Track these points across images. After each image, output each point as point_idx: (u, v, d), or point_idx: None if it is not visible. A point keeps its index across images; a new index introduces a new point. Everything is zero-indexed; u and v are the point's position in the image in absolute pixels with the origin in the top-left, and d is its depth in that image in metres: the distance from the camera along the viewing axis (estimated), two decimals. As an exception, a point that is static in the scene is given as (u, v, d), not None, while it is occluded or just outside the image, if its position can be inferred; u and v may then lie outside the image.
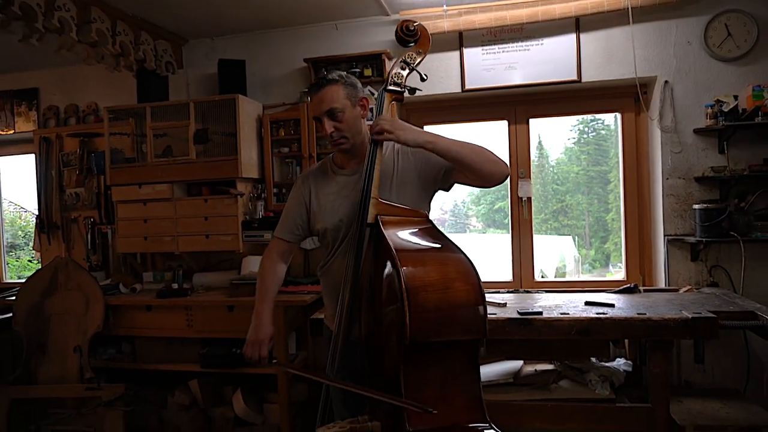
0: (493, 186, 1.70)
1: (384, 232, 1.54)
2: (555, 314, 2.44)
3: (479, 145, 1.65)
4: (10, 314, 3.32)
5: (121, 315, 3.28)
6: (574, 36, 3.08)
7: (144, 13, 3.19)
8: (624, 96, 3.22)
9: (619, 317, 2.34)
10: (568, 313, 2.44)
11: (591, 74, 3.09)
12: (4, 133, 4.07)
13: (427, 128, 3.52)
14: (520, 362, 2.81)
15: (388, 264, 1.47)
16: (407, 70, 1.75)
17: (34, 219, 4.03)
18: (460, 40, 3.23)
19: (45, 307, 3.30)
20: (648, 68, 3.03)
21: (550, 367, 2.79)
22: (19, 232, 5.55)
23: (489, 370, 2.81)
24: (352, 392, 1.53)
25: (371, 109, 2.20)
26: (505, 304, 2.69)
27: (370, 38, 3.37)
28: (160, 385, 3.38)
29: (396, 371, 1.45)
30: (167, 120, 3.35)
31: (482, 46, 3.21)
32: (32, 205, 4.18)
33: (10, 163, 4.49)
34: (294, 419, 3.05)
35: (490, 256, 3.45)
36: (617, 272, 3.66)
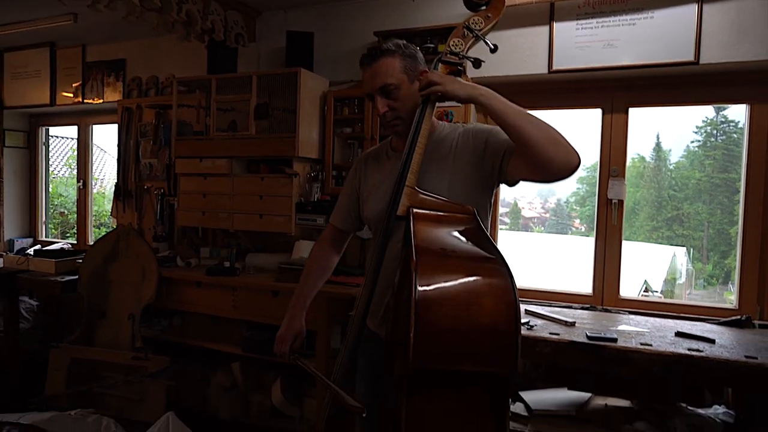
0: (555, 179, 1.34)
1: (413, 227, 1.25)
2: (633, 344, 2.00)
3: (548, 123, 1.31)
4: (77, 276, 3.43)
5: (174, 288, 3.26)
6: (694, 7, 2.52)
7: (214, -19, 3.09)
8: (755, 83, 2.59)
9: (718, 358, 1.85)
10: (650, 345, 1.99)
11: (713, 55, 2.51)
12: (94, 102, 4.24)
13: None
14: (588, 394, 2.37)
15: (408, 266, 1.20)
16: (471, 39, 1.44)
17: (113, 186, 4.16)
18: (550, 12, 2.78)
19: (107, 273, 3.37)
20: (791, 48, 2.41)
21: (624, 403, 2.33)
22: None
23: (547, 397, 2.40)
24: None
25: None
26: (573, 324, 2.27)
27: (448, 10, 3.02)
28: (205, 362, 3.33)
29: (397, 393, 1.18)
30: (233, 94, 3.26)
31: (577, 19, 2.74)
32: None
33: (102, 132, 4.71)
34: (331, 420, 2.83)
35: (585, 263, 3.01)
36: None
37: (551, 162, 1.28)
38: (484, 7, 1.45)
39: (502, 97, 1.33)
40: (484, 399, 1.16)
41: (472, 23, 1.44)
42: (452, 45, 1.44)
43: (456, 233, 1.29)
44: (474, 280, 1.15)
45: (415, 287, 1.11)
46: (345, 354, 1.47)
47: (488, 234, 1.30)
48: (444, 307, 1.11)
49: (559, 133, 1.30)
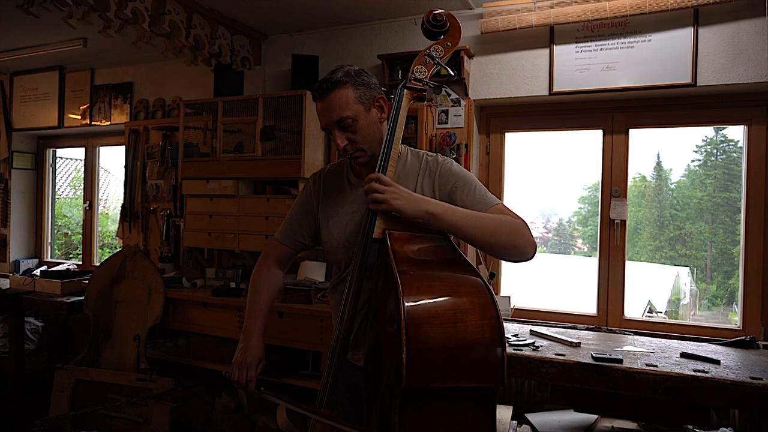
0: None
1: (390, 249, 1.27)
2: (639, 365, 2.01)
3: (504, 220, 1.35)
4: (83, 297, 3.45)
5: (180, 309, 3.27)
6: (690, 30, 2.58)
7: (221, 8, 3.16)
8: (752, 104, 2.64)
9: (723, 379, 1.86)
10: (656, 366, 2.00)
11: (709, 77, 2.56)
12: (102, 124, 4.30)
13: (510, 136, 3.18)
14: (594, 416, 2.36)
15: (391, 287, 1.22)
16: (433, 66, 1.49)
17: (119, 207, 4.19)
18: (550, 35, 2.84)
19: (113, 294, 3.38)
20: (787, 71, 2.46)
21: (631, 425, 2.32)
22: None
23: (553, 419, 2.40)
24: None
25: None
26: (579, 344, 2.28)
27: (451, 34, 3.08)
28: (209, 384, 3.32)
29: (390, 414, 1.19)
30: (239, 116, 3.31)
31: (576, 42, 2.80)
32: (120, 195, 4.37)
33: (106, 153, 4.76)
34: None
35: (589, 283, 3.02)
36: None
37: (504, 257, 1.38)
38: (442, 36, 1.49)
39: (454, 210, 1.33)
40: (473, 411, 1.18)
41: (433, 51, 1.49)
42: (416, 71, 1.47)
43: (432, 253, 1.32)
44: (457, 298, 1.18)
45: (403, 307, 1.12)
46: (326, 395, 1.38)
47: (460, 251, 1.33)
48: (433, 326, 1.12)
49: (515, 229, 1.33)
